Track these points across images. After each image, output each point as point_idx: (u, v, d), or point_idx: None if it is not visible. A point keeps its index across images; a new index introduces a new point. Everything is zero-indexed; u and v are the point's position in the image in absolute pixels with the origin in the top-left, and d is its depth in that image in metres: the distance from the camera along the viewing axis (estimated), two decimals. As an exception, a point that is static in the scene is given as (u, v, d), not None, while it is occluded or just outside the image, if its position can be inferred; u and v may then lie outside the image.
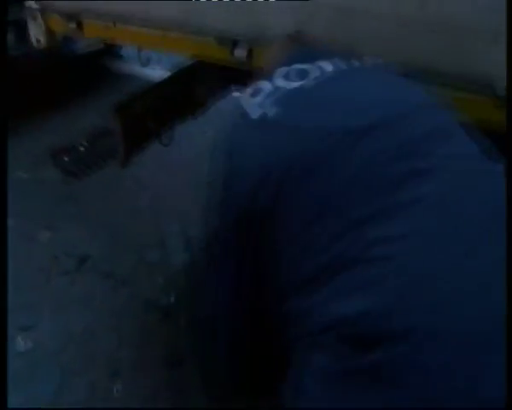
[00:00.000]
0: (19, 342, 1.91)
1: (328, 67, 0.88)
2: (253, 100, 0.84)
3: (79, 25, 1.81)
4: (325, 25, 1.24)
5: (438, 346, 0.60)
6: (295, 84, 0.84)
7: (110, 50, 4.01)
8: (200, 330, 1.12)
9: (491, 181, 0.74)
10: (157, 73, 3.02)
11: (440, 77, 1.10)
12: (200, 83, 2.06)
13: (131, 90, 1.97)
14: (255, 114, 0.82)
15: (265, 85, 0.86)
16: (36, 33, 2.04)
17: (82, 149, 3.22)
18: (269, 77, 0.88)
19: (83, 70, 3.74)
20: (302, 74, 0.87)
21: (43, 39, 2.04)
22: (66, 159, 3.12)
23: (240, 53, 1.40)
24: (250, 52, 1.39)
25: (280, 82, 0.86)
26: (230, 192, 0.82)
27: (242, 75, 1.79)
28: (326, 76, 0.86)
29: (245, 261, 0.81)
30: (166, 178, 2.93)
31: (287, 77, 0.87)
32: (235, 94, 1.24)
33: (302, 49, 1.01)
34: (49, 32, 2.00)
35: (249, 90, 0.87)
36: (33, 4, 1.96)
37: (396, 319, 0.62)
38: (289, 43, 1.06)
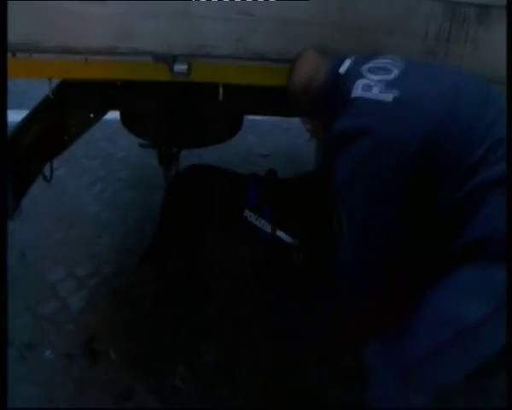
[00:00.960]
0: None
1: (395, 62, 1.23)
2: (373, 91, 1.16)
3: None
4: (264, 35, 1.50)
5: None
6: (391, 76, 1.17)
7: None
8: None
9: None
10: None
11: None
12: (70, 111, 2.02)
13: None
14: (387, 98, 1.12)
15: (367, 80, 1.20)
16: None
17: None
18: (357, 75, 1.21)
19: None
20: (384, 68, 1.21)
21: None
22: None
23: (180, 68, 1.52)
24: (190, 66, 1.53)
25: (374, 76, 1.19)
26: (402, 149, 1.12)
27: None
28: (404, 67, 1.22)
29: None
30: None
31: (375, 72, 1.20)
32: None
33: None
34: None
35: (360, 91, 1.19)
36: None
37: None
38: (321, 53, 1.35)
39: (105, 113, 2.21)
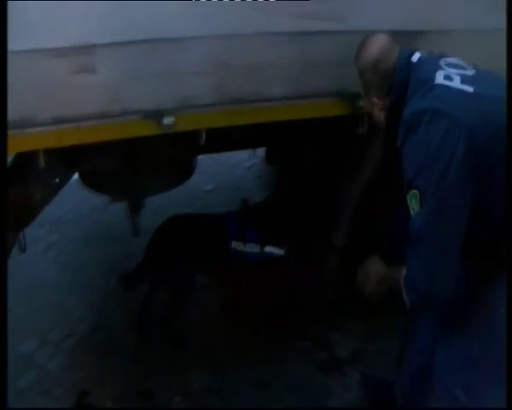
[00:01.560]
0: None
1: (466, 63, 1.47)
2: (454, 82, 1.37)
3: None
4: (240, 82, 1.69)
5: None
6: (468, 72, 1.41)
7: None
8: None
9: None
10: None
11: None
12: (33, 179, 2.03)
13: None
14: (468, 89, 1.34)
15: (447, 72, 1.40)
16: None
17: None
18: (437, 66, 1.43)
19: None
20: (459, 66, 1.45)
21: None
22: None
23: (167, 121, 1.65)
24: (176, 119, 1.66)
25: (453, 70, 1.41)
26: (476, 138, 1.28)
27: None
28: (477, 69, 1.45)
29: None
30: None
31: (453, 66, 1.43)
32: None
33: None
34: None
35: (441, 78, 1.38)
36: None
37: None
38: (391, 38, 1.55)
39: (71, 176, 2.24)
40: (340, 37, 1.76)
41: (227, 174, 4.01)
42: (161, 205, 2.81)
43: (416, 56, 1.49)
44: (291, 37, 1.73)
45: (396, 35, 1.81)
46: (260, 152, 3.43)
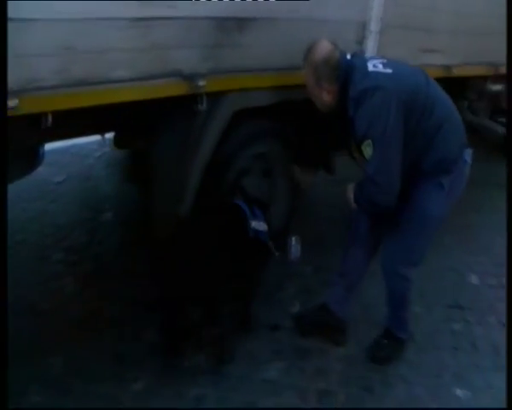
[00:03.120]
0: None
1: (381, 56, 2.20)
2: (379, 68, 2.02)
3: None
4: (84, 65, 1.75)
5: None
6: (384, 61, 2.06)
7: None
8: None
9: None
10: None
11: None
12: None
13: None
14: (389, 71, 2.00)
15: (373, 62, 2.05)
16: None
17: None
18: (366, 59, 2.11)
19: None
20: (377, 58, 2.14)
21: None
22: None
23: (12, 103, 1.64)
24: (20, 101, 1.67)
25: (376, 61, 2.06)
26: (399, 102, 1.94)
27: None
28: (387, 59, 2.10)
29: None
30: None
31: (374, 59, 2.12)
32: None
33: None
34: None
35: (371, 67, 2.02)
36: None
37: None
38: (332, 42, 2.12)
39: None
40: (174, 22, 1.91)
41: (77, 165, 3.96)
42: (10, 198, 2.69)
43: (348, 56, 2.11)
44: (132, 22, 1.84)
45: (226, 21, 2.07)
46: (110, 141, 3.46)
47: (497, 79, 4.41)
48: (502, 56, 4.01)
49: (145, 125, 2.39)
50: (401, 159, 1.98)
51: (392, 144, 1.95)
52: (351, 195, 2.15)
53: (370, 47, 2.79)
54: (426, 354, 2.51)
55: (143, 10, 1.84)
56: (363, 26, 2.74)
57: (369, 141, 1.94)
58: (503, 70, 4.09)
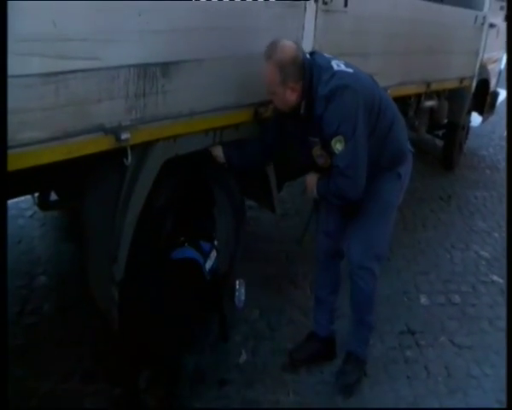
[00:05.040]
0: None
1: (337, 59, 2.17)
2: (342, 67, 2.07)
3: None
4: None
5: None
6: (343, 61, 2.13)
7: None
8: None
9: None
10: None
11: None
12: None
13: None
14: (350, 70, 2.08)
15: (335, 62, 2.09)
16: None
17: None
18: (329, 59, 2.12)
19: None
20: (336, 58, 2.15)
21: None
22: None
23: None
24: None
25: (337, 61, 2.11)
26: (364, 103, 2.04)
27: None
28: (345, 61, 2.15)
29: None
30: None
31: (335, 59, 2.13)
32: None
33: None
34: None
35: (336, 66, 2.07)
36: None
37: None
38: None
39: None
40: (94, 74, 1.80)
41: (9, 226, 3.71)
42: None
43: (309, 54, 2.15)
44: (44, 78, 1.71)
45: (149, 66, 1.97)
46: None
47: (429, 95, 4.58)
48: (432, 74, 4.17)
49: (73, 182, 2.25)
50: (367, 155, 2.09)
51: (362, 140, 2.04)
52: (314, 187, 2.24)
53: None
54: (381, 386, 2.48)
55: (58, 64, 1.72)
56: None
57: (341, 137, 2.00)
58: (435, 86, 4.31)
